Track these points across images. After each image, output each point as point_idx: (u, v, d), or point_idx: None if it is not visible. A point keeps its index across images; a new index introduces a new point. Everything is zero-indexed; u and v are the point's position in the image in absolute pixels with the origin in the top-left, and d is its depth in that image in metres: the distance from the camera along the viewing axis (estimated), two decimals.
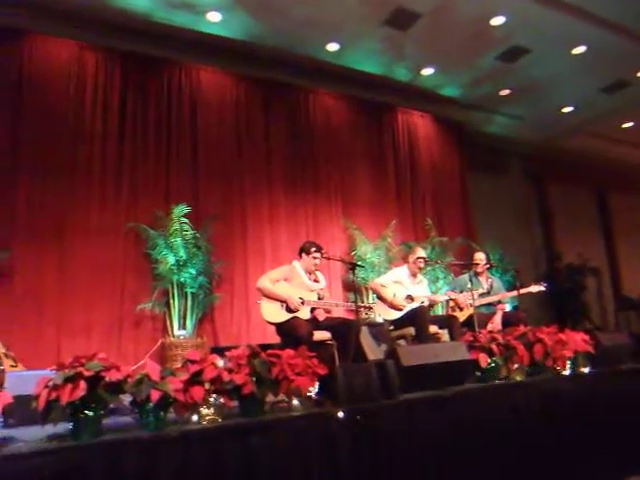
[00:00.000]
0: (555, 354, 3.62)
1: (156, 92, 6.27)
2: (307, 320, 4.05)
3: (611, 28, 6.67)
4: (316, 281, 4.36)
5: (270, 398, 2.68)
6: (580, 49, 7.12)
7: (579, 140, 10.10)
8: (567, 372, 3.70)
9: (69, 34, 5.90)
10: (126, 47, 6.17)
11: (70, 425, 2.15)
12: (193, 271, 5.71)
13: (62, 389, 2.09)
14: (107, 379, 2.19)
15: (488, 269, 5.43)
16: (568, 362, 3.72)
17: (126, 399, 2.33)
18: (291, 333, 3.87)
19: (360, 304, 4.39)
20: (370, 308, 4.65)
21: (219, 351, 2.85)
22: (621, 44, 6.97)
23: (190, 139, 6.37)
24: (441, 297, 5.27)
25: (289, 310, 4.08)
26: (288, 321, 4.01)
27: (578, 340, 3.85)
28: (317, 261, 4.31)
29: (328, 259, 4.72)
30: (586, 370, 3.83)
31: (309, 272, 4.32)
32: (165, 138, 6.21)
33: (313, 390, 2.71)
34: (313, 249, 4.29)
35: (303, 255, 4.33)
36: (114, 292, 5.59)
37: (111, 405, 2.28)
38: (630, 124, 9.69)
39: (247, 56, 6.82)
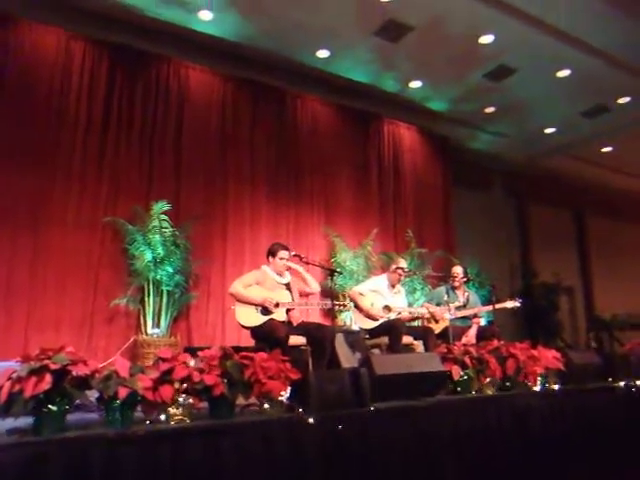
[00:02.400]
0: (527, 370, 3.66)
1: (143, 87, 6.20)
2: (283, 322, 4.04)
3: (595, 54, 6.83)
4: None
5: (241, 401, 2.64)
6: (565, 72, 7.28)
7: (560, 161, 10.30)
8: (538, 388, 3.74)
9: (58, 22, 5.80)
10: (115, 39, 6.10)
11: (32, 419, 2.08)
12: (170, 269, 5.63)
13: (26, 381, 2.03)
14: (74, 373, 2.14)
15: (465, 283, 5.47)
16: (539, 378, 3.76)
17: (93, 395, 2.27)
18: (269, 335, 3.83)
19: (335, 302, 4.38)
20: (344, 305, 4.62)
21: (192, 351, 2.80)
22: (604, 70, 7.14)
23: (175, 136, 6.31)
24: (420, 310, 5.26)
25: (264, 312, 4.05)
26: (265, 324, 3.99)
27: (549, 357, 3.89)
28: (284, 261, 4.28)
29: (307, 264, 4.71)
30: (556, 387, 3.88)
31: (280, 274, 4.30)
32: (149, 134, 6.14)
33: (285, 394, 2.69)
34: (280, 250, 4.28)
35: (270, 258, 4.32)
36: (87, 286, 5.48)
37: (77, 401, 2.22)
38: (609, 149, 9.92)
39: (237, 57, 6.80)
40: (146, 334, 5.48)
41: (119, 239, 5.70)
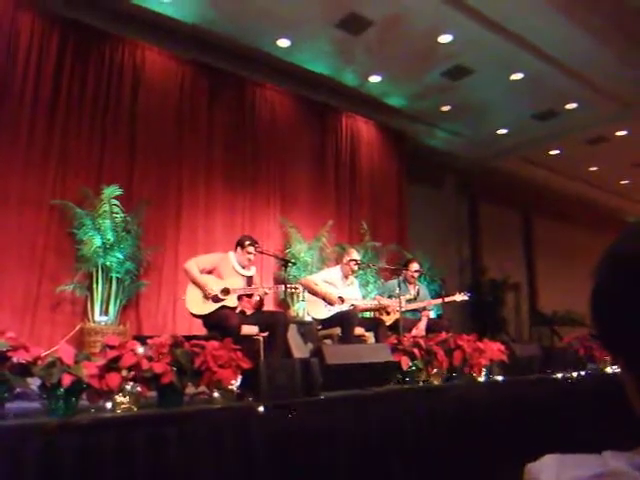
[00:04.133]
0: (472, 361, 3.79)
1: (96, 65, 5.94)
2: (234, 309, 4.03)
3: (547, 60, 7.08)
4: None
5: (191, 389, 2.62)
6: (518, 75, 7.50)
7: (511, 162, 10.64)
8: (482, 379, 3.88)
9: None
10: (67, 14, 5.79)
11: None
12: (120, 255, 5.48)
13: None
14: (14, 360, 2.06)
15: (418, 277, 5.59)
16: (484, 369, 3.90)
17: (34, 383, 2.19)
18: (220, 324, 3.81)
19: (289, 285, 4.41)
20: (296, 289, 4.64)
21: (141, 339, 2.74)
22: (554, 76, 7.42)
23: (128, 119, 6.10)
24: (371, 303, 5.34)
25: (215, 300, 4.02)
26: (216, 312, 3.96)
27: (494, 349, 4.04)
28: (251, 256, 4.30)
29: (262, 253, 4.70)
30: (500, 378, 4.04)
31: (242, 266, 4.30)
32: (101, 114, 5.91)
33: (235, 383, 2.68)
34: (247, 243, 4.28)
35: (238, 249, 4.32)
36: (32, 270, 5.23)
37: (17, 389, 2.14)
38: (556, 152, 10.33)
39: (196, 41, 6.63)
40: (93, 322, 5.31)
41: (66, 222, 5.48)
